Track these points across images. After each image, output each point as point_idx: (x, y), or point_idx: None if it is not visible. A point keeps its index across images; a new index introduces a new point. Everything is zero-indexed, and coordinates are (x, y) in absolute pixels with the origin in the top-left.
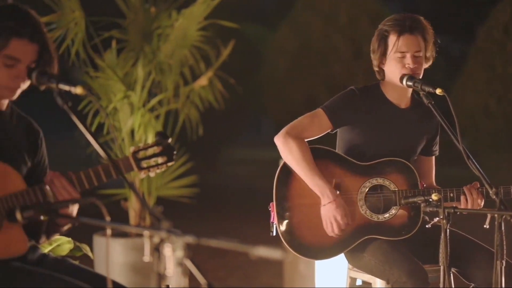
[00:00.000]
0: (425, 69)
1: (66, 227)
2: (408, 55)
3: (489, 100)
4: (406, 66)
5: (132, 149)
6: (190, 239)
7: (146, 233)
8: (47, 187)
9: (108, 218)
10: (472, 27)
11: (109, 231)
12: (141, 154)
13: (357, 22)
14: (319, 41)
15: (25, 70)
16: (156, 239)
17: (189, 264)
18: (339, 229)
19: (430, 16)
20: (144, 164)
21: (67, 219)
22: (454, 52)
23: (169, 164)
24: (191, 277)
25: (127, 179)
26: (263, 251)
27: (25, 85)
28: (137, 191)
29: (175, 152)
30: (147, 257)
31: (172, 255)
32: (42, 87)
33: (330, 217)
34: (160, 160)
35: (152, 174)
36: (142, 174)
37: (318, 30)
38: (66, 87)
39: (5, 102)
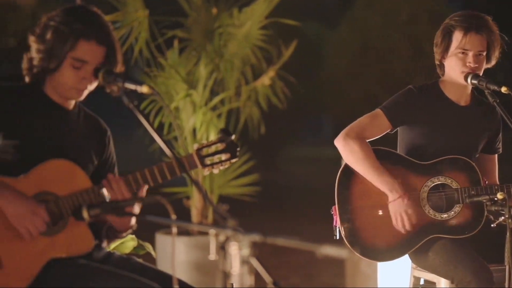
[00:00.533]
0: (486, 68)
1: (125, 233)
2: (470, 54)
3: None
4: (467, 64)
5: (195, 146)
6: (256, 237)
7: (211, 231)
8: (104, 190)
9: (174, 217)
10: None
11: (174, 230)
12: (204, 151)
13: (417, 20)
14: (379, 39)
15: (92, 72)
16: (221, 238)
17: (255, 262)
18: (410, 223)
19: (491, 13)
20: (208, 161)
21: (132, 218)
22: None
23: (233, 161)
24: (256, 275)
25: (192, 177)
26: (329, 250)
27: (92, 86)
28: (202, 189)
29: (238, 149)
30: (212, 256)
31: (238, 253)
32: (109, 89)
33: (400, 212)
34: (223, 157)
35: (215, 171)
36: (206, 171)
37: (378, 29)
38: (132, 86)
39: (72, 101)
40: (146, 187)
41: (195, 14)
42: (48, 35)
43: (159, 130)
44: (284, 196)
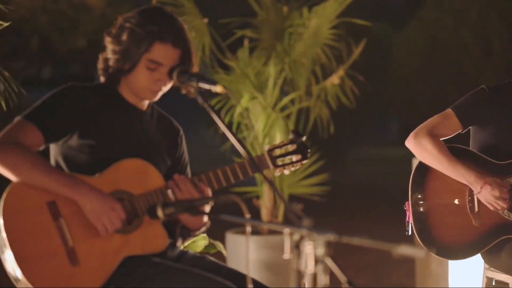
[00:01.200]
0: None
1: (198, 231)
2: None
3: None
4: None
5: (267, 147)
6: (331, 236)
7: (286, 230)
8: (169, 191)
9: (248, 215)
10: None
11: (248, 229)
12: (276, 152)
13: (487, 19)
14: (449, 39)
15: (166, 73)
16: (296, 237)
17: (329, 262)
18: (505, 202)
19: None
20: (279, 162)
21: (204, 216)
22: None
23: (304, 162)
24: (330, 275)
25: (267, 177)
26: (405, 250)
27: (166, 87)
28: (276, 189)
29: (309, 150)
30: (287, 255)
31: (313, 252)
32: (185, 90)
33: (490, 199)
34: (295, 158)
35: (286, 172)
36: (277, 172)
37: (448, 28)
38: (206, 86)
39: (146, 102)
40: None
41: (265, 13)
42: (124, 37)
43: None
44: (352, 195)
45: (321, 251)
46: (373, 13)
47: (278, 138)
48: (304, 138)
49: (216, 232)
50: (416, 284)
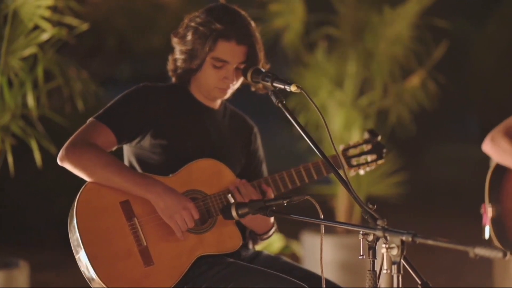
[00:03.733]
0: None
1: (266, 236)
2: None
3: None
4: None
5: (342, 146)
6: (405, 237)
7: (361, 231)
8: (229, 195)
9: (322, 216)
10: None
11: (322, 229)
12: (351, 152)
13: None
14: None
15: (233, 71)
16: (370, 238)
17: (404, 262)
18: None
19: None
20: (354, 161)
21: (269, 219)
22: None
23: (379, 162)
24: (405, 275)
25: (343, 176)
26: (482, 251)
27: (235, 85)
28: (352, 189)
29: (385, 150)
30: (362, 255)
31: (388, 253)
32: (254, 88)
33: None
34: (370, 158)
35: (362, 172)
36: (352, 172)
37: None
38: (280, 85)
39: (218, 101)
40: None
41: (346, 11)
42: (189, 36)
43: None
44: (430, 195)
45: (395, 252)
46: (452, 10)
47: (356, 137)
48: (379, 138)
49: (292, 232)
50: (494, 285)
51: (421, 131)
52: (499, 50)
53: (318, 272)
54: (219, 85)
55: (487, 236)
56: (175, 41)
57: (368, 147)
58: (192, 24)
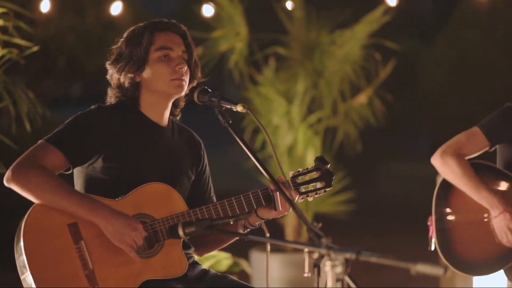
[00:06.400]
0: None
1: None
2: None
3: None
4: None
5: (291, 173)
6: (349, 255)
7: (305, 249)
8: None
9: (267, 234)
10: None
11: (268, 247)
12: (300, 179)
13: None
14: (477, 55)
15: (180, 57)
16: (315, 255)
17: (348, 280)
18: None
19: None
20: (302, 189)
21: (227, 235)
22: None
23: (328, 189)
24: None
25: (288, 197)
26: (423, 268)
27: (187, 77)
28: (297, 208)
29: (333, 178)
30: (306, 273)
31: (332, 271)
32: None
33: (503, 227)
34: (319, 185)
35: (310, 199)
36: (300, 199)
37: (475, 44)
38: (227, 105)
39: (166, 118)
40: None
41: (296, 31)
42: (123, 49)
43: (262, 148)
44: (379, 213)
45: (340, 269)
46: (402, 30)
47: (310, 156)
48: (328, 165)
49: (241, 250)
50: None
51: (372, 149)
52: (447, 69)
53: None
54: (173, 75)
55: (432, 248)
56: (111, 68)
57: (317, 175)
58: (121, 41)
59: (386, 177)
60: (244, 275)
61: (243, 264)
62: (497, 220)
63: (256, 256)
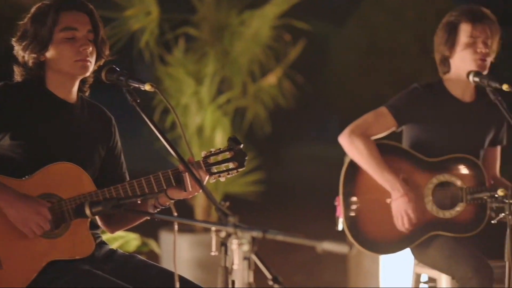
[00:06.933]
0: (494, 65)
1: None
2: (479, 41)
3: None
4: (478, 51)
5: (203, 153)
6: (256, 233)
7: (213, 228)
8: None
9: (175, 214)
10: None
11: (176, 227)
12: (212, 159)
13: (424, 18)
14: (387, 38)
15: (85, 37)
16: (222, 234)
17: (255, 258)
18: (410, 223)
19: (500, 9)
20: (214, 169)
21: (134, 214)
22: None
23: (240, 170)
24: (258, 271)
25: (197, 177)
26: (328, 246)
27: (93, 57)
28: (205, 188)
29: (246, 158)
30: (213, 252)
31: (238, 249)
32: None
33: (401, 211)
34: (231, 165)
35: (222, 179)
36: (212, 180)
37: (385, 27)
38: (135, 84)
39: (75, 94)
40: None
41: (206, 11)
42: (28, 27)
43: (171, 128)
44: (289, 194)
45: (246, 247)
46: (314, 11)
47: (220, 136)
48: (241, 146)
49: (150, 230)
50: (348, 282)
51: (283, 130)
52: (358, 51)
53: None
54: (77, 56)
55: (340, 228)
56: (16, 45)
57: (230, 155)
58: (28, 17)
59: (296, 158)
60: (153, 255)
61: (152, 244)
62: (396, 203)
63: (165, 236)
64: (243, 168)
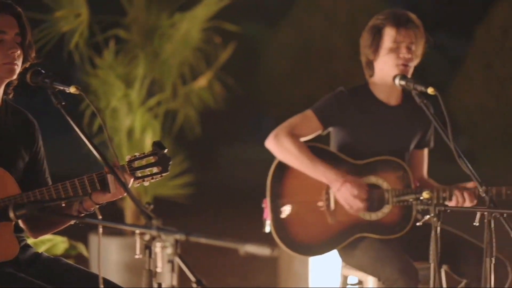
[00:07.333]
0: (425, 67)
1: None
2: (403, 46)
3: (487, 99)
4: (401, 56)
5: (128, 157)
6: (179, 236)
7: (137, 231)
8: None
9: (100, 217)
10: (471, 26)
11: (101, 229)
12: (136, 163)
13: (356, 21)
14: (320, 40)
15: (13, 40)
16: (147, 237)
17: (179, 261)
18: (363, 202)
19: (430, 15)
20: (139, 173)
21: (60, 218)
22: (453, 52)
23: (164, 174)
24: (184, 274)
25: (122, 180)
26: (250, 248)
27: (21, 59)
28: (129, 191)
29: (170, 163)
30: (138, 255)
31: (162, 252)
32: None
33: (348, 198)
34: (155, 170)
35: (146, 184)
36: (136, 184)
37: (319, 29)
38: (60, 86)
39: None
40: None
41: (136, 13)
42: None
43: (101, 131)
44: (221, 196)
45: (169, 250)
46: (246, 14)
47: (150, 139)
48: (165, 150)
49: (79, 233)
50: (279, 284)
51: (216, 133)
52: (291, 53)
53: (103, 273)
54: (5, 59)
55: (267, 230)
56: None
57: (154, 159)
58: None
59: (231, 160)
60: (81, 258)
61: (81, 247)
62: (341, 192)
63: (94, 239)
64: (167, 173)
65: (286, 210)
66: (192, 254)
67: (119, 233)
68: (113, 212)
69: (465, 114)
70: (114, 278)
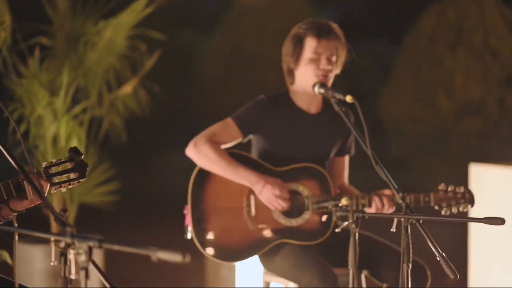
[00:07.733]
0: (358, 74)
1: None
2: (323, 57)
3: (415, 107)
4: (321, 67)
5: (44, 164)
6: (92, 243)
7: (52, 238)
8: None
9: (15, 224)
10: (401, 34)
11: (16, 237)
12: (53, 170)
13: (289, 29)
14: (252, 47)
15: None
16: (62, 244)
17: (94, 268)
18: (286, 201)
19: (363, 22)
20: (55, 179)
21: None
22: (385, 59)
23: (81, 180)
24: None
25: (36, 185)
26: (162, 254)
27: None
28: (44, 197)
29: (88, 168)
30: (53, 262)
31: (76, 259)
32: None
33: (271, 199)
34: (72, 175)
35: (63, 190)
36: (53, 190)
37: (251, 36)
38: None
39: None
40: None
41: (60, 21)
42: None
43: (25, 139)
44: (147, 203)
45: (83, 257)
46: (177, 19)
47: (71, 146)
48: (82, 156)
49: (3, 241)
50: None
51: (145, 140)
52: (223, 60)
53: (28, 281)
54: None
55: (189, 236)
56: None
57: (71, 165)
58: None
59: (160, 168)
60: (6, 266)
61: (5, 255)
62: (263, 193)
63: (19, 247)
64: (84, 179)
65: (207, 216)
66: (128, 259)
67: (45, 241)
68: (38, 220)
69: (395, 121)
70: (40, 285)
